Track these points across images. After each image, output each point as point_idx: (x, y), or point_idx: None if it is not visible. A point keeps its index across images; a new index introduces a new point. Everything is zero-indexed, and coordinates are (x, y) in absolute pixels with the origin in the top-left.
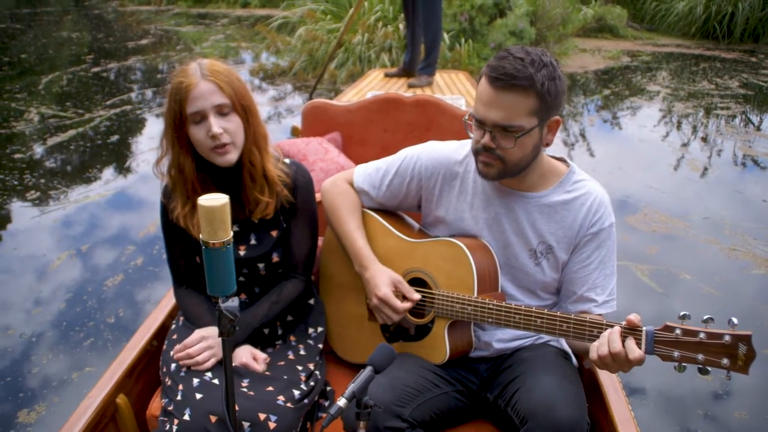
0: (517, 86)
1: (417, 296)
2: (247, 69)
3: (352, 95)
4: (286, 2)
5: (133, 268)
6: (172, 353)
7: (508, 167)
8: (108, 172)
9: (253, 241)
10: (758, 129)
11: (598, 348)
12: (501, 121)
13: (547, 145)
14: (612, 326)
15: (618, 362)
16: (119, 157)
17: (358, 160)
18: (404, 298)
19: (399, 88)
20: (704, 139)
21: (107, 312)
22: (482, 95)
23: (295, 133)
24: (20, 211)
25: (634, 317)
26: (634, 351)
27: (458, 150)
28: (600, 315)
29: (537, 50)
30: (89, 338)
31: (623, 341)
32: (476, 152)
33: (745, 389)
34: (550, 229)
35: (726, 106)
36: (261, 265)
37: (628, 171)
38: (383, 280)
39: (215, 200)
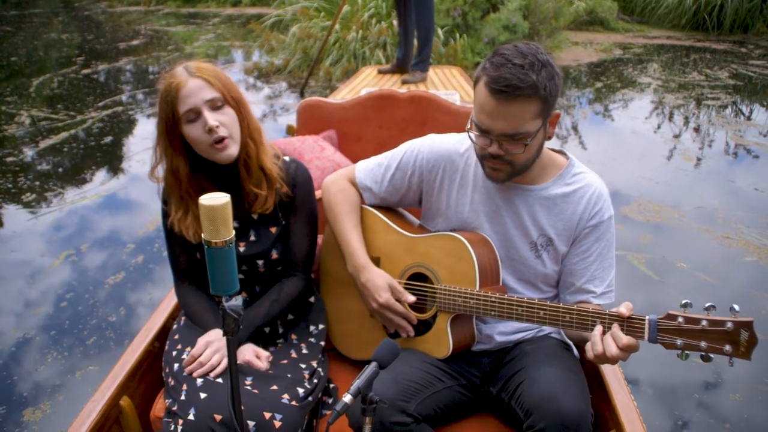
0: (521, 96)
1: (412, 298)
2: (242, 68)
3: (346, 93)
4: (277, 0)
5: (134, 266)
6: (184, 365)
7: (516, 169)
8: (103, 173)
9: (252, 238)
10: (749, 119)
11: (593, 352)
12: (508, 130)
13: (549, 138)
14: (614, 315)
15: (613, 358)
16: (113, 158)
17: (354, 158)
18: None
19: (393, 84)
20: (696, 130)
21: (109, 310)
22: (485, 106)
23: (290, 131)
24: (16, 213)
25: (625, 308)
26: (621, 338)
27: (459, 143)
28: (599, 305)
29: (531, 48)
30: (92, 337)
31: (606, 333)
32: (482, 158)
33: (740, 373)
34: (550, 222)
35: (716, 96)
36: (260, 262)
37: (621, 162)
38: (382, 285)
39: (217, 199)
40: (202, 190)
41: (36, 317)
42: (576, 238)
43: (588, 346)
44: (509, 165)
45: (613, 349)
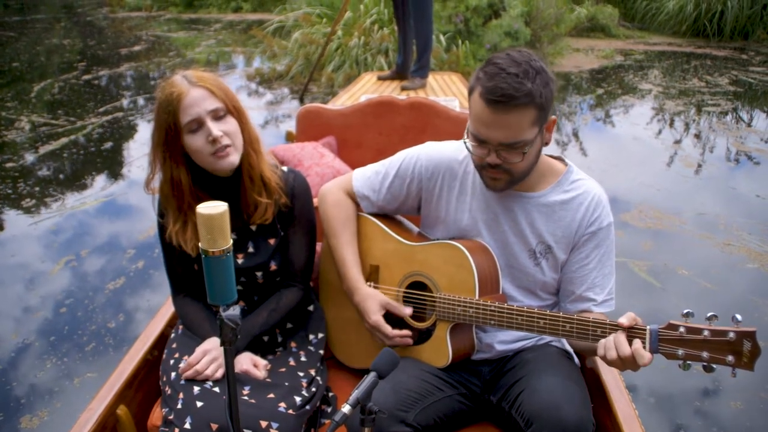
0: (518, 105)
1: (408, 311)
2: (244, 73)
3: (346, 99)
4: (279, 7)
5: (134, 271)
6: (180, 372)
7: (515, 177)
8: (103, 179)
9: (251, 249)
10: (749, 125)
11: (606, 353)
12: (506, 140)
13: (546, 144)
14: (615, 325)
15: (627, 364)
16: (114, 164)
17: (353, 164)
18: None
19: (392, 90)
20: (697, 136)
21: (108, 316)
22: (481, 116)
23: (289, 138)
24: (16, 219)
25: (626, 318)
26: (644, 356)
27: (458, 150)
28: (601, 314)
29: (524, 55)
30: (90, 343)
31: (630, 343)
32: (480, 167)
33: (740, 381)
34: (549, 229)
35: (716, 103)
36: (259, 274)
37: (622, 168)
38: (372, 307)
39: (214, 208)
40: (200, 202)
41: (35, 323)
42: (575, 245)
43: (599, 350)
44: (508, 174)
45: (626, 350)
